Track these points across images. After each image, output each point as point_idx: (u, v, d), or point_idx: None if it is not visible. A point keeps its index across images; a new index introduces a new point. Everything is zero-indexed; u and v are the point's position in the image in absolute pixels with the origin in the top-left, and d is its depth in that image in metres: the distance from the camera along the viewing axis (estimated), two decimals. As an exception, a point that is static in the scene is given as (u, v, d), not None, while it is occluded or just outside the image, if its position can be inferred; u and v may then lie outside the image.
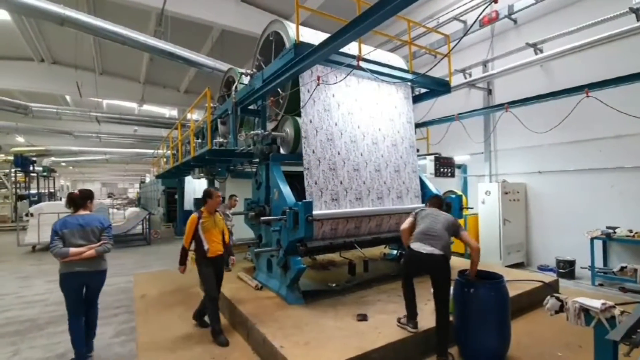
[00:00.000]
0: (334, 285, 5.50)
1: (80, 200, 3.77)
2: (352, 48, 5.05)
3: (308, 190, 4.76)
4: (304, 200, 4.30)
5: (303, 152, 4.86)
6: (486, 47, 8.45)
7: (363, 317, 3.97)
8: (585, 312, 2.45)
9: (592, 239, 5.95)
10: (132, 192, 56.61)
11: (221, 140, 6.95)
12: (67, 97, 19.01)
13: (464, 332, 3.49)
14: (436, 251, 3.45)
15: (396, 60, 6.32)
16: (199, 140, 8.64)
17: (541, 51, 7.14)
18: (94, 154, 23.72)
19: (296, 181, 5.36)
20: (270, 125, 6.00)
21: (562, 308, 2.61)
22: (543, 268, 7.03)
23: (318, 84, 4.42)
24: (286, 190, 4.79)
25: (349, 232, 5.21)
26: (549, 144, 7.06)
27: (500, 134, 8.13)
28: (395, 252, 6.96)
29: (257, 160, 5.89)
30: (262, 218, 4.61)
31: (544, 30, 7.18)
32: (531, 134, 7.21)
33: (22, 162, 18.50)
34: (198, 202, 8.99)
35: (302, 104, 4.88)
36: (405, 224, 3.89)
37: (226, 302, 4.77)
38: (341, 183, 5.16)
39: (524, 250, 7.57)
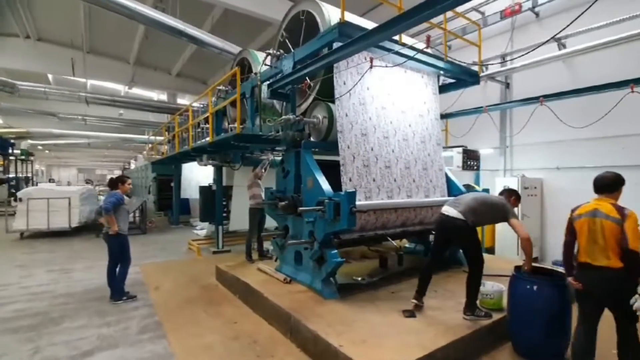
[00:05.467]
0: (359, 279, 5.33)
1: (111, 183, 5.33)
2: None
3: (343, 188, 4.54)
4: (347, 190, 4.08)
5: (339, 147, 4.62)
6: (504, 40, 8.35)
7: (411, 314, 3.81)
8: (683, 313, 2.34)
9: (614, 235, 5.99)
10: (112, 179, 54.54)
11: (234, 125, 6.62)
12: (50, 77, 17.95)
13: (523, 329, 3.39)
14: (454, 213, 3.73)
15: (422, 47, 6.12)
16: (206, 126, 8.26)
17: (564, 46, 7.10)
18: (76, 137, 22.54)
19: (326, 170, 5.11)
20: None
21: (653, 308, 2.49)
22: (557, 263, 7.07)
23: (371, 66, 4.15)
24: (322, 179, 4.55)
25: (378, 225, 5.02)
26: (571, 139, 7.06)
27: (516, 129, 8.09)
28: (414, 245, 6.84)
29: (281, 147, 5.63)
30: (300, 209, 4.35)
31: (566, 23, 7.11)
32: (549, 130, 7.22)
33: (2, 144, 17.34)
34: (204, 190, 8.65)
35: (337, 89, 4.63)
36: None
37: (258, 295, 4.52)
38: (374, 180, 4.95)
39: (539, 245, 7.63)
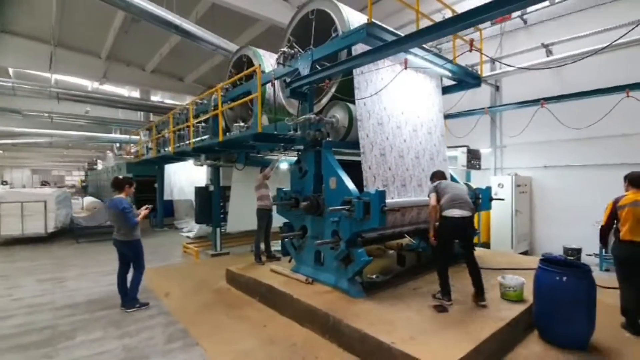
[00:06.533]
0: (374, 276, 5.37)
1: (118, 184, 4.88)
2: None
3: (364, 175, 4.62)
4: (378, 189, 4.12)
5: (359, 135, 4.75)
6: (493, 45, 8.76)
7: (442, 309, 3.93)
8: None
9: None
10: (71, 180, 51.23)
11: (242, 124, 6.48)
12: (10, 71, 16.55)
13: (551, 318, 3.60)
14: (466, 214, 4.08)
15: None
16: (203, 124, 8.00)
17: (551, 52, 7.57)
18: (40, 136, 20.94)
19: (345, 170, 5.13)
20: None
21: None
22: (547, 256, 7.53)
23: (405, 67, 4.21)
24: (347, 178, 4.56)
25: (396, 221, 5.10)
26: (557, 140, 7.56)
27: (506, 130, 8.53)
28: (418, 242, 7.00)
29: (296, 147, 5.58)
30: (331, 208, 4.32)
31: (554, 31, 7.60)
32: (538, 131, 7.67)
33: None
34: (200, 191, 8.35)
35: (356, 78, 4.75)
36: (432, 200, 4.24)
37: (285, 297, 4.45)
38: (390, 169, 5.08)
39: (529, 239, 8.09)
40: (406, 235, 5.56)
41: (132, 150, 26.36)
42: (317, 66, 4.87)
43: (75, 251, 8.71)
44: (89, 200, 17.56)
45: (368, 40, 4.24)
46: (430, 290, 4.52)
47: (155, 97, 21.35)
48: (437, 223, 4.21)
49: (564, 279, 3.51)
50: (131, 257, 4.80)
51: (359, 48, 4.67)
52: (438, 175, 4.69)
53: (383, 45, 3.86)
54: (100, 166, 28.22)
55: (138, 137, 14.51)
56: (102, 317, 4.48)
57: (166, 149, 10.47)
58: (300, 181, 5.30)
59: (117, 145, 29.85)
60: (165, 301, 5.08)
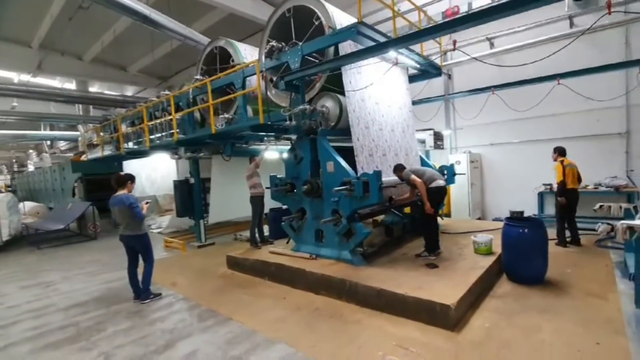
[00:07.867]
0: (364, 248, 6.01)
1: (121, 181, 4.86)
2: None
3: (354, 146, 5.21)
4: (375, 170, 4.73)
5: (348, 110, 5.29)
6: (444, 37, 9.76)
7: (434, 265, 4.73)
8: (630, 230, 3.65)
9: (539, 193, 7.87)
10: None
11: (228, 116, 6.67)
12: None
13: (517, 262, 4.56)
14: (444, 182, 5.33)
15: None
16: (179, 117, 7.94)
17: (494, 45, 8.73)
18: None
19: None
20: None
21: (612, 230, 3.78)
22: (497, 219, 8.89)
23: (396, 63, 4.79)
24: (343, 162, 5.10)
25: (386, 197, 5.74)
26: (501, 121, 8.83)
27: (459, 113, 9.66)
28: (392, 218, 7.80)
29: (290, 135, 5.98)
30: (335, 189, 4.84)
31: (497, 25, 8.72)
32: (484, 113, 8.86)
33: None
34: (180, 185, 8.30)
35: (344, 71, 5.26)
36: (418, 179, 5.07)
37: (297, 272, 4.94)
38: (373, 140, 5.74)
39: (481, 207, 9.39)
40: (393, 210, 6.27)
41: (63, 148, 24.02)
42: (310, 58, 5.29)
43: (43, 257, 8.23)
44: (30, 205, 16.05)
45: (359, 38, 4.77)
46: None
47: (93, 88, 19.79)
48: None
49: (525, 230, 4.47)
50: (141, 250, 4.88)
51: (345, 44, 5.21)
52: (401, 167, 5.33)
53: (376, 45, 4.44)
54: (31, 167, 25.32)
55: (79, 132, 13.47)
56: (119, 310, 4.58)
57: (130, 145, 10.10)
58: (296, 167, 5.72)
59: (48, 143, 26.97)
60: (176, 290, 5.27)
